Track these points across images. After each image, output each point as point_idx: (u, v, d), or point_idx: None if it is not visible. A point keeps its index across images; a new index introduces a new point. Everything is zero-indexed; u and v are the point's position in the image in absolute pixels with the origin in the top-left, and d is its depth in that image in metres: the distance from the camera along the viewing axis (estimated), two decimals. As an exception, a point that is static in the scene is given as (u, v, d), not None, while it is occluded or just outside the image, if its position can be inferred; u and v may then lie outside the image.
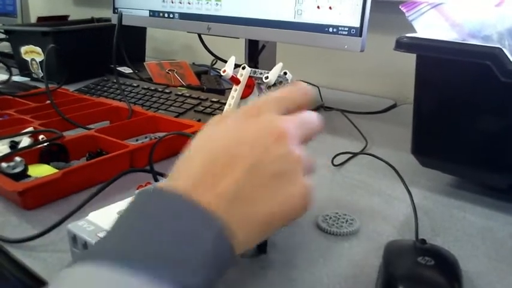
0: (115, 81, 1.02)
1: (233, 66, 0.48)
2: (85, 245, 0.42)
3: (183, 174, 0.34)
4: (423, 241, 0.44)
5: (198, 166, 0.33)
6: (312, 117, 0.39)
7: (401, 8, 0.58)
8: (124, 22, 1.09)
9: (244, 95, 0.51)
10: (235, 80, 0.48)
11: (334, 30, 0.76)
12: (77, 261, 0.27)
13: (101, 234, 0.42)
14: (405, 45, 0.54)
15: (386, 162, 0.60)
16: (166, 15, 1.03)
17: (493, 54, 0.47)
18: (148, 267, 0.27)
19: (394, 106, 1.02)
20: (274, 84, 0.47)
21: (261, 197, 0.33)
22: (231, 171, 0.33)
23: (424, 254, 0.41)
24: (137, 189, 0.51)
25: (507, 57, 0.47)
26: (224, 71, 0.47)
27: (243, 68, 0.48)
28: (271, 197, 0.33)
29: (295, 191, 0.35)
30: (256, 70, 0.49)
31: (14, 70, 1.20)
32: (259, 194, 0.33)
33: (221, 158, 0.33)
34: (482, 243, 0.49)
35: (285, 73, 0.47)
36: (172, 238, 0.29)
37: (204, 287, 0.28)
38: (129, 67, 1.11)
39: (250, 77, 0.49)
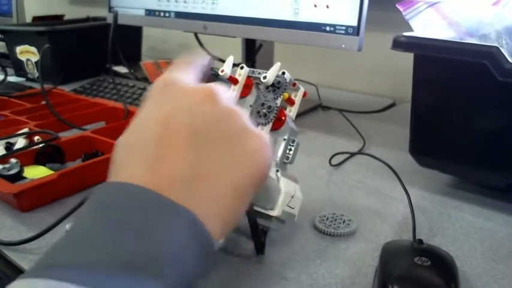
0: (111, 81, 1.01)
1: (231, 66, 0.47)
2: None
3: (125, 173, 0.29)
4: (420, 241, 0.44)
5: (136, 158, 0.29)
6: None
7: (398, 7, 0.58)
8: (119, 21, 1.08)
9: (243, 95, 0.50)
10: (233, 80, 0.47)
11: (332, 29, 0.76)
12: (26, 273, 0.24)
13: None
14: (402, 44, 0.53)
15: (384, 162, 0.60)
16: (162, 14, 1.02)
17: (490, 53, 0.47)
18: (106, 275, 0.23)
19: (392, 105, 1.01)
20: (273, 84, 0.46)
21: (220, 166, 0.29)
22: (173, 150, 0.29)
23: (421, 255, 0.41)
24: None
25: (504, 56, 0.47)
26: (222, 71, 0.46)
27: (241, 68, 0.48)
28: (231, 162, 0.30)
29: (253, 145, 0.31)
30: (254, 70, 0.48)
31: (9, 70, 1.20)
32: (216, 164, 0.29)
33: (156, 141, 0.29)
34: (480, 244, 0.49)
35: (283, 73, 0.47)
36: (133, 238, 0.25)
37: (185, 281, 0.26)
38: (125, 67, 1.11)
39: (248, 76, 0.49)
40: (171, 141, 0.29)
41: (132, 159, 0.29)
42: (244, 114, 0.32)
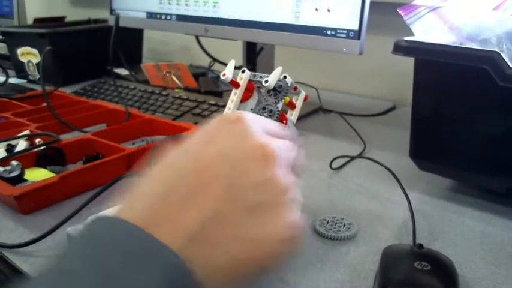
0: (112, 83, 1.02)
1: (233, 69, 0.47)
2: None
3: (138, 202, 0.27)
4: (420, 246, 0.44)
5: (159, 191, 0.27)
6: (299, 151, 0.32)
7: (400, 11, 0.58)
8: (121, 24, 1.09)
9: (244, 99, 0.50)
10: (235, 84, 0.48)
11: (332, 32, 0.76)
12: None
13: None
14: (403, 48, 0.54)
15: (385, 166, 0.60)
16: (163, 16, 1.03)
17: (491, 58, 0.47)
18: None
19: (393, 108, 1.01)
20: (274, 88, 0.46)
21: (229, 236, 0.27)
22: (198, 197, 0.27)
23: (421, 259, 0.41)
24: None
25: (505, 61, 0.47)
26: (224, 75, 0.47)
27: (243, 72, 0.48)
28: (243, 236, 0.27)
29: (275, 230, 0.28)
30: (256, 74, 0.48)
31: (10, 72, 1.20)
32: (227, 231, 0.27)
33: (187, 183, 0.27)
34: (481, 248, 0.49)
35: (285, 77, 0.47)
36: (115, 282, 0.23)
37: None
38: (126, 69, 1.11)
39: (249, 80, 0.49)
40: (198, 187, 0.27)
41: (153, 189, 0.28)
42: (287, 193, 0.28)
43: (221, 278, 0.27)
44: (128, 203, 0.28)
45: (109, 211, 0.28)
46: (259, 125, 0.31)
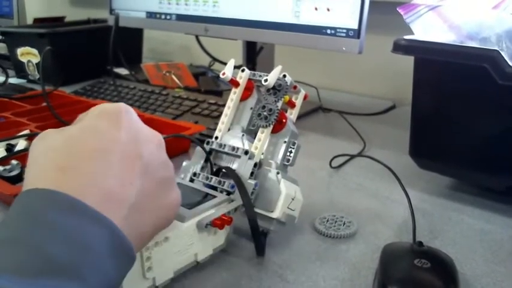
0: (112, 83, 1.02)
1: (233, 68, 0.47)
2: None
3: (63, 176, 0.29)
4: (420, 244, 0.44)
5: (86, 164, 0.29)
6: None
7: (399, 10, 0.58)
8: (121, 23, 1.09)
9: (244, 98, 0.51)
10: (234, 83, 0.48)
11: (332, 32, 0.76)
12: None
13: None
14: (403, 47, 0.54)
15: (384, 165, 0.60)
16: (163, 16, 1.03)
17: (491, 57, 0.47)
18: (32, 280, 0.24)
19: (393, 107, 1.02)
20: (274, 87, 0.47)
21: (153, 206, 0.32)
22: (128, 173, 0.31)
23: (421, 257, 0.41)
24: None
25: (504, 59, 0.47)
26: (223, 74, 0.47)
27: (243, 71, 0.48)
28: (160, 206, 0.33)
29: (174, 199, 0.35)
30: (256, 73, 0.49)
31: (10, 72, 1.20)
32: (150, 202, 0.32)
33: (116, 154, 0.30)
34: (480, 246, 0.49)
35: (284, 76, 0.47)
36: (59, 241, 0.26)
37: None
38: (126, 68, 1.11)
39: (249, 79, 0.49)
40: (127, 163, 0.31)
41: (79, 169, 0.29)
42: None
43: (144, 241, 0.33)
44: (58, 179, 0.29)
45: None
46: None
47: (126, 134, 0.32)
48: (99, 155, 0.30)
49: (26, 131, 0.71)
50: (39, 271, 0.24)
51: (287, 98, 0.48)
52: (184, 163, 0.51)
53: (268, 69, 0.47)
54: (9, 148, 0.67)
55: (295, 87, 0.50)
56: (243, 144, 0.48)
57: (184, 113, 0.87)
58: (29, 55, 1.18)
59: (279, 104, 0.46)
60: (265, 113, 0.46)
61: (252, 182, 0.45)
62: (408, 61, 0.55)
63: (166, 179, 0.34)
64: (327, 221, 0.53)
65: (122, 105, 0.34)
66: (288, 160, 0.48)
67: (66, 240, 0.26)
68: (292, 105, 0.51)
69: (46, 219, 0.26)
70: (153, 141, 0.34)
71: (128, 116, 0.34)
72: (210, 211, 0.43)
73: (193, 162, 0.50)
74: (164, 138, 0.63)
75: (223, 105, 0.51)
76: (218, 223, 0.42)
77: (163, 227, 0.35)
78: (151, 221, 0.33)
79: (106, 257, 0.27)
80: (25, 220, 0.26)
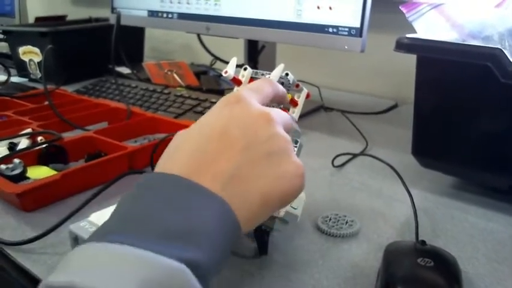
0: (113, 81, 1.02)
1: (235, 67, 0.47)
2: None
3: (176, 162, 0.34)
4: (423, 242, 0.44)
5: (190, 152, 0.34)
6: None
7: (402, 9, 0.58)
8: (122, 22, 1.09)
9: (245, 96, 0.50)
10: (237, 81, 0.48)
11: (334, 30, 0.76)
12: (84, 241, 0.28)
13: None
14: (405, 46, 0.53)
15: (387, 163, 0.60)
16: (165, 15, 1.03)
17: (493, 55, 0.47)
18: (155, 241, 0.27)
19: (395, 106, 1.01)
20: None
21: (256, 175, 0.34)
22: (226, 153, 0.33)
23: (424, 256, 0.41)
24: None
25: (507, 58, 0.47)
26: (226, 72, 0.46)
27: (245, 69, 0.48)
28: (266, 175, 0.34)
29: (288, 169, 0.35)
30: (258, 71, 0.48)
31: (12, 71, 1.20)
32: (254, 172, 0.34)
33: (214, 143, 0.34)
34: (483, 245, 0.49)
35: (287, 74, 0.47)
36: (177, 214, 0.29)
37: (211, 262, 0.29)
38: (128, 67, 1.11)
39: (251, 78, 0.49)
40: (224, 146, 0.34)
41: (185, 151, 0.34)
42: (290, 143, 0.37)
43: (253, 214, 0.34)
44: (166, 161, 0.35)
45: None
46: (255, 98, 0.38)
47: (230, 119, 0.35)
48: (205, 139, 0.35)
49: (28, 130, 0.71)
50: (159, 235, 0.28)
51: (290, 96, 0.48)
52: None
53: (270, 68, 0.47)
54: (12, 147, 0.67)
55: (297, 85, 0.49)
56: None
57: (186, 111, 0.87)
58: (30, 54, 1.18)
59: (282, 103, 0.46)
60: (267, 112, 0.46)
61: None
62: (410, 60, 0.55)
63: (276, 154, 0.35)
64: (330, 219, 0.53)
65: (241, 93, 0.38)
66: None
67: (182, 211, 0.30)
68: (294, 103, 0.50)
69: (167, 195, 0.31)
70: (259, 119, 0.36)
71: (241, 104, 0.36)
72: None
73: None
74: (166, 137, 0.63)
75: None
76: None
77: (278, 198, 0.35)
78: (257, 189, 0.34)
79: (215, 226, 0.30)
80: (149, 196, 0.31)
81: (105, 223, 0.30)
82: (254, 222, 0.35)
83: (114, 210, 0.31)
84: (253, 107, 0.37)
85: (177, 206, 0.30)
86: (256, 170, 0.34)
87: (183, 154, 0.34)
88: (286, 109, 0.48)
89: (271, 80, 0.42)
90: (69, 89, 1.03)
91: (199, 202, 0.31)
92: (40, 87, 1.00)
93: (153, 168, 0.58)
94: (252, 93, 0.39)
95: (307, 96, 0.51)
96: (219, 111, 0.37)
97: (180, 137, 0.37)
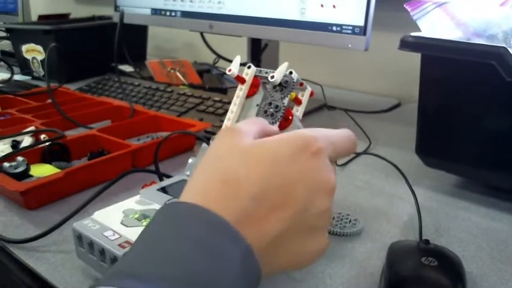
0: (116, 80, 1.02)
1: (238, 65, 0.47)
2: (90, 244, 0.42)
3: (230, 201, 0.31)
4: (427, 242, 0.44)
5: (249, 196, 0.31)
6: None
7: (406, 7, 0.58)
8: (125, 20, 1.08)
9: (250, 94, 0.50)
10: (240, 79, 0.47)
11: (338, 29, 0.76)
12: (103, 280, 0.26)
13: (106, 233, 0.41)
14: (410, 44, 0.53)
15: (390, 162, 0.60)
16: (168, 13, 1.02)
17: (498, 54, 0.47)
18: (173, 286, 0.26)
19: (398, 105, 1.01)
20: (280, 84, 0.46)
21: (291, 248, 0.33)
22: (281, 211, 0.31)
23: (428, 255, 0.41)
24: (142, 188, 0.51)
25: (512, 56, 0.47)
26: (229, 70, 0.46)
27: (248, 67, 0.48)
28: (300, 251, 0.34)
29: (319, 246, 0.35)
30: (262, 69, 0.48)
31: (15, 69, 1.20)
32: (292, 244, 0.33)
33: (276, 195, 0.32)
34: (487, 244, 0.49)
35: (291, 72, 0.46)
36: (201, 259, 0.27)
37: None
38: (131, 65, 1.11)
39: (255, 76, 0.49)
40: (282, 203, 0.32)
41: (245, 192, 0.31)
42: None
43: (271, 274, 0.33)
44: (221, 189, 0.31)
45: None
46: (330, 154, 0.36)
47: (301, 174, 0.33)
48: (271, 185, 0.32)
49: (31, 128, 0.71)
50: (179, 280, 0.26)
51: (293, 94, 0.48)
52: (190, 160, 0.51)
53: (273, 67, 0.47)
54: (15, 145, 0.67)
55: (301, 84, 0.49)
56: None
57: (189, 110, 0.87)
58: (33, 52, 1.18)
59: (286, 101, 0.46)
60: (271, 110, 0.46)
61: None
62: (413, 58, 0.55)
63: (319, 229, 0.35)
64: (333, 218, 0.52)
65: (321, 144, 0.35)
66: None
67: (207, 254, 0.28)
68: (298, 102, 0.50)
69: (191, 233, 0.28)
70: (324, 187, 0.34)
71: (318, 159, 0.34)
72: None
73: (199, 159, 0.50)
74: (170, 135, 0.63)
75: (228, 103, 0.50)
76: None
77: (291, 269, 0.36)
78: (284, 261, 0.33)
79: (238, 275, 0.28)
80: (172, 231, 0.29)
81: (125, 258, 0.28)
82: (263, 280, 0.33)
83: (137, 241, 0.29)
84: (325, 169, 0.34)
85: (202, 248, 0.28)
86: (296, 242, 0.33)
87: (242, 195, 0.31)
88: (290, 107, 0.47)
89: (355, 138, 0.40)
90: (72, 87, 1.03)
91: (236, 256, 0.28)
92: (43, 85, 1.00)
93: (157, 168, 0.58)
94: (330, 146, 0.36)
95: (311, 94, 0.51)
96: (294, 158, 0.33)
97: (246, 160, 0.33)
